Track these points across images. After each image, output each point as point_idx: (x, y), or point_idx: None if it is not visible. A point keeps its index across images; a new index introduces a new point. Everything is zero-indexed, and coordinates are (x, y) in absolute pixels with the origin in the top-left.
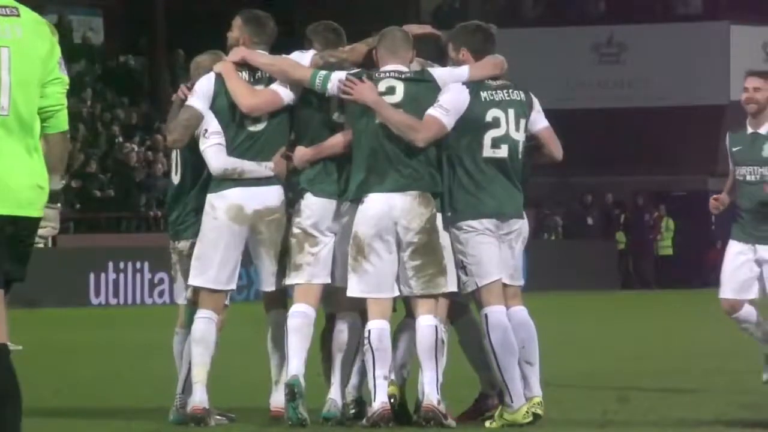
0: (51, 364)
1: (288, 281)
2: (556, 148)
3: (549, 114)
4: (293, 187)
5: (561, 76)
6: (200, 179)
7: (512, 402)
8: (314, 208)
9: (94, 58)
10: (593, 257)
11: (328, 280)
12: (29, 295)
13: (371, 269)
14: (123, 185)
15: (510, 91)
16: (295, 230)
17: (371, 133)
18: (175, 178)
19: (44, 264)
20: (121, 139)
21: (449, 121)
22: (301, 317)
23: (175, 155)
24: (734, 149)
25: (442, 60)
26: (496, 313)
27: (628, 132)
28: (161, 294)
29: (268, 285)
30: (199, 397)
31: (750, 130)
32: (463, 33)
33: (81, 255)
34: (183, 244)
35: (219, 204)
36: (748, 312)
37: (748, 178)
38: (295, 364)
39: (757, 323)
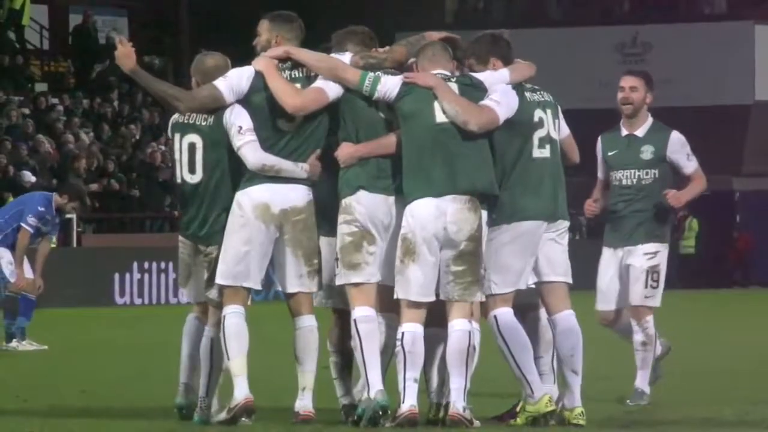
0: (76, 364)
1: (342, 280)
2: (575, 154)
3: (573, 114)
4: (324, 185)
5: (585, 76)
6: (230, 179)
7: (533, 393)
8: (370, 205)
9: None
10: None
11: (380, 278)
12: (55, 295)
13: (418, 272)
14: (147, 185)
15: (542, 92)
16: (352, 228)
17: (423, 135)
18: (189, 176)
19: (69, 264)
20: (138, 137)
21: (501, 113)
22: (369, 322)
23: (187, 154)
24: (609, 153)
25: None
26: (504, 314)
27: None
28: None
29: (294, 286)
30: (245, 390)
31: (625, 132)
32: (486, 44)
33: (105, 255)
34: (212, 248)
35: (245, 202)
36: (627, 327)
37: (624, 182)
38: (376, 376)
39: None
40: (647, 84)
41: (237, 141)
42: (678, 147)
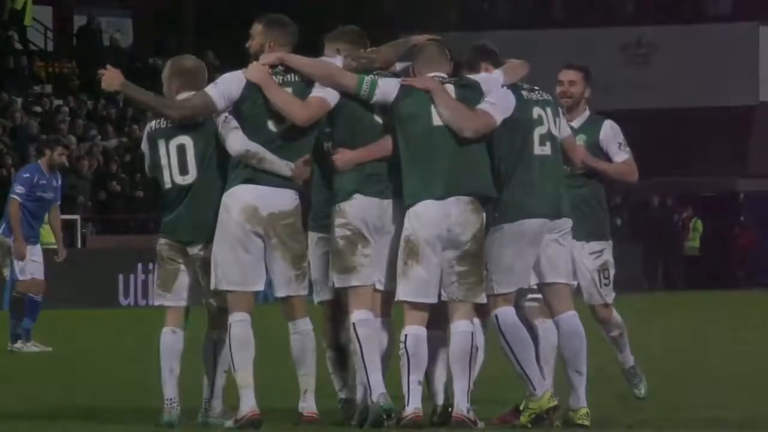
0: (80, 366)
1: (341, 284)
2: (575, 155)
3: None
4: (314, 189)
5: None
6: (223, 176)
7: (535, 390)
8: (363, 207)
9: (122, 60)
10: (621, 258)
11: (374, 280)
12: (59, 296)
13: (422, 273)
14: (151, 186)
15: (541, 91)
16: (345, 232)
17: (423, 137)
18: (181, 178)
19: (73, 265)
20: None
21: (498, 115)
22: (368, 326)
23: (176, 156)
24: None
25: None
26: (505, 313)
27: (657, 133)
28: None
29: (283, 290)
30: (252, 402)
31: None
32: (473, 53)
33: (110, 256)
34: (206, 251)
35: (232, 204)
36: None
37: None
38: (377, 380)
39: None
40: (585, 78)
41: (221, 129)
42: (610, 134)
